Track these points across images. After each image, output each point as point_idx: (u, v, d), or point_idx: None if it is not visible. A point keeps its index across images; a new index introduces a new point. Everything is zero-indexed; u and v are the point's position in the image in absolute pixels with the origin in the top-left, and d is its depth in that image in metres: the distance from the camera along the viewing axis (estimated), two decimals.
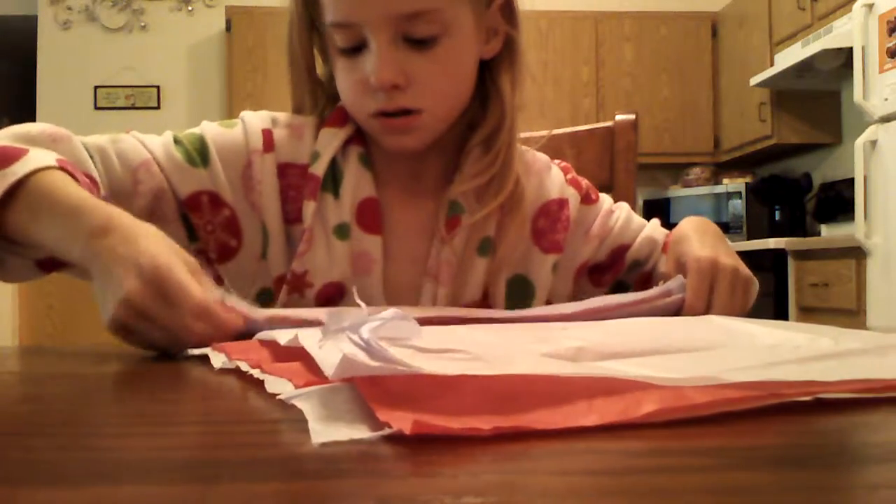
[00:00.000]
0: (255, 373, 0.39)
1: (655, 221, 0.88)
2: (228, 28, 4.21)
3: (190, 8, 4.47)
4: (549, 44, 4.22)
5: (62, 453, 0.26)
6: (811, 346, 0.43)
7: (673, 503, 0.21)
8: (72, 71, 4.37)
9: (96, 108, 4.40)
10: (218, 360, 0.47)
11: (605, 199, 0.88)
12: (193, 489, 0.22)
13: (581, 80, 4.29)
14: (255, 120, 0.78)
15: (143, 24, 4.44)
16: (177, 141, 0.75)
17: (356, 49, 0.71)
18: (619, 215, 0.87)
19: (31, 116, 4.38)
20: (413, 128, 0.73)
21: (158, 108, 4.45)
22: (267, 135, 0.76)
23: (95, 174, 0.69)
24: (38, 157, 0.61)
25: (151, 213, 0.71)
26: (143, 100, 4.43)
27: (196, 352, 0.53)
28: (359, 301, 0.39)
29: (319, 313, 0.59)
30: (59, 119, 4.35)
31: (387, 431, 0.25)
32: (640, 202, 4.24)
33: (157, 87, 4.44)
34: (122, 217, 0.59)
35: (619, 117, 1.11)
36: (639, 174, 1.12)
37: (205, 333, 0.54)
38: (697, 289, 0.69)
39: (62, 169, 0.62)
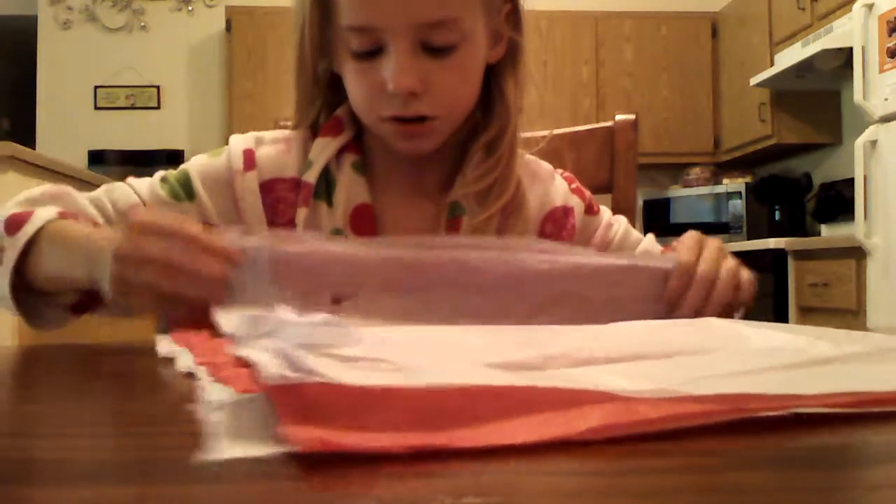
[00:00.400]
0: (206, 380, 0.37)
1: (651, 236, 0.89)
2: (228, 28, 4.21)
3: (190, 8, 4.47)
4: (549, 44, 4.22)
5: (62, 453, 0.26)
6: (810, 350, 0.41)
7: (673, 503, 0.21)
8: (72, 71, 4.37)
9: (96, 108, 4.40)
10: (183, 362, 0.45)
11: (605, 212, 0.89)
12: (194, 489, 0.22)
13: (581, 80, 4.29)
14: (238, 142, 0.79)
15: (143, 24, 4.44)
16: (163, 179, 0.77)
17: (371, 53, 0.71)
18: (617, 228, 0.88)
19: (31, 116, 4.39)
20: (427, 133, 0.74)
21: (158, 108, 4.45)
22: (248, 154, 0.78)
23: (100, 221, 0.73)
24: (42, 215, 0.67)
25: None
26: (143, 100, 4.43)
27: (165, 348, 0.53)
28: (289, 306, 0.38)
29: (330, 244, 0.59)
30: (59, 119, 4.34)
31: (288, 449, 0.24)
32: (640, 202, 4.24)
33: (157, 87, 4.44)
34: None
35: (619, 117, 1.10)
36: (639, 174, 1.11)
37: (203, 266, 0.56)
38: (689, 247, 0.67)
39: (64, 217, 0.68)
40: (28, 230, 0.65)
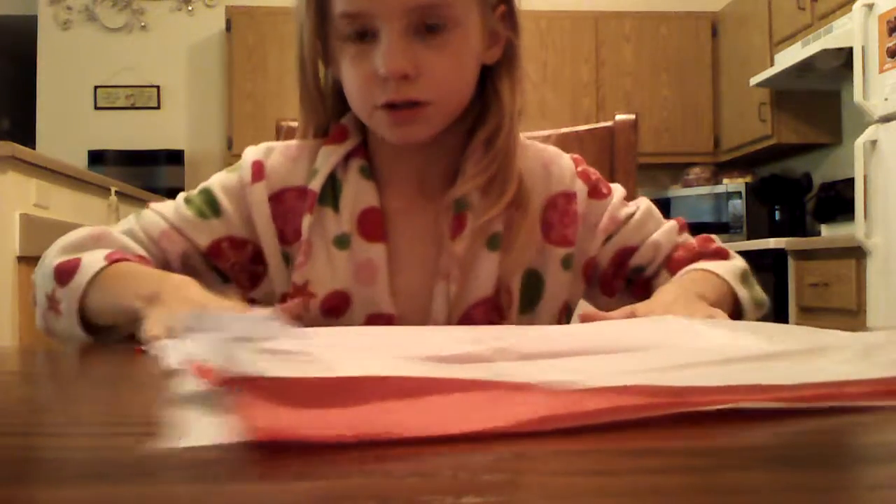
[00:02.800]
0: (186, 374, 0.38)
1: (672, 224, 0.85)
2: (228, 28, 4.21)
3: (190, 8, 4.47)
4: (549, 44, 4.22)
5: (62, 453, 0.26)
6: (743, 347, 0.41)
7: (673, 503, 0.21)
8: (72, 71, 4.37)
9: (96, 108, 4.40)
10: (173, 358, 0.45)
11: (617, 193, 0.85)
12: (196, 489, 0.22)
13: (581, 80, 4.29)
14: (250, 154, 0.81)
15: (143, 24, 4.44)
16: (188, 200, 0.80)
17: (363, 39, 0.72)
18: (630, 212, 0.84)
19: (31, 116, 4.39)
20: (419, 119, 0.74)
21: (158, 108, 4.45)
22: (257, 166, 0.79)
23: (143, 253, 0.77)
24: (90, 264, 0.71)
25: (186, 272, 0.75)
26: (143, 100, 4.43)
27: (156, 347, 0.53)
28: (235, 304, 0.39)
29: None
30: (59, 119, 4.34)
31: (243, 439, 0.25)
32: None
33: (157, 87, 4.44)
34: (170, 276, 0.72)
35: (619, 117, 1.11)
36: (639, 174, 1.11)
37: None
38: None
39: (114, 261, 0.72)
40: (80, 281, 0.70)
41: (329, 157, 0.79)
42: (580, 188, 0.83)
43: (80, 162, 3.99)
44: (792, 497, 0.21)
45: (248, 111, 4.10)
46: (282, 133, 1.07)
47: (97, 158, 4.27)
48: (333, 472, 0.23)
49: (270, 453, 0.24)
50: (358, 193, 0.78)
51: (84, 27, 4.41)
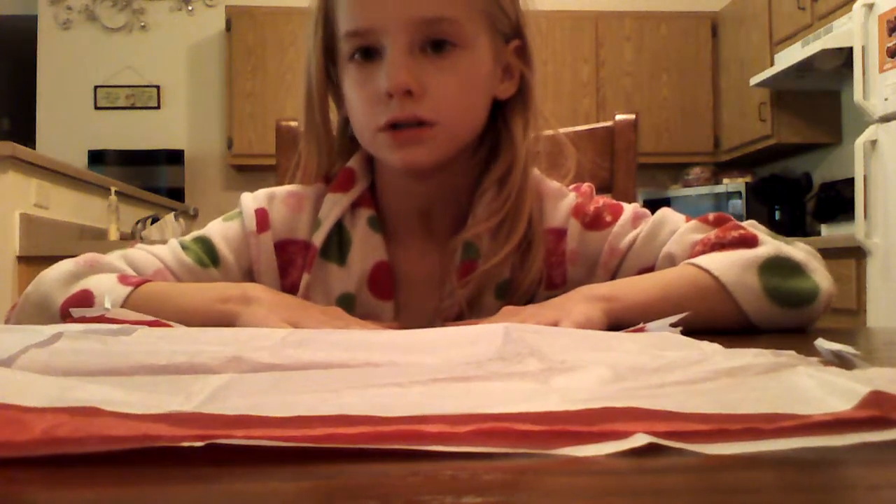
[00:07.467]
0: None
1: (691, 224, 0.77)
2: (228, 28, 4.21)
3: (190, 8, 4.47)
4: (549, 44, 4.22)
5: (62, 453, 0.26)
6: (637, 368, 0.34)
7: (673, 503, 0.21)
8: (72, 71, 4.37)
9: (96, 108, 4.40)
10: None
11: (624, 216, 0.79)
12: (195, 489, 0.22)
13: (581, 80, 4.30)
14: (250, 202, 0.78)
15: (143, 24, 4.45)
16: (185, 247, 0.76)
17: (368, 59, 0.70)
18: (634, 236, 0.77)
19: (31, 116, 4.39)
20: (423, 139, 0.70)
21: (158, 107, 4.45)
22: (261, 214, 0.77)
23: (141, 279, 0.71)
24: (111, 290, 0.66)
25: None
26: (143, 100, 4.44)
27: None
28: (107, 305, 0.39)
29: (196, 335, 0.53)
30: (59, 119, 4.34)
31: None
32: (640, 202, 4.23)
33: (157, 87, 4.45)
34: (220, 283, 0.72)
35: (619, 117, 1.11)
36: (639, 174, 1.12)
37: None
38: None
39: (138, 284, 0.68)
40: (111, 306, 0.63)
41: (334, 207, 0.76)
42: (572, 225, 0.78)
43: (80, 162, 4.00)
44: (793, 497, 0.21)
45: (248, 111, 4.10)
46: (282, 133, 1.06)
47: (97, 158, 4.28)
48: (333, 471, 0.23)
49: (270, 453, 0.24)
50: (367, 248, 0.75)
51: (84, 27, 4.42)
